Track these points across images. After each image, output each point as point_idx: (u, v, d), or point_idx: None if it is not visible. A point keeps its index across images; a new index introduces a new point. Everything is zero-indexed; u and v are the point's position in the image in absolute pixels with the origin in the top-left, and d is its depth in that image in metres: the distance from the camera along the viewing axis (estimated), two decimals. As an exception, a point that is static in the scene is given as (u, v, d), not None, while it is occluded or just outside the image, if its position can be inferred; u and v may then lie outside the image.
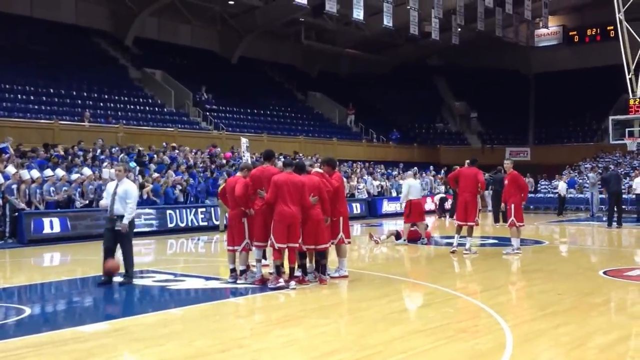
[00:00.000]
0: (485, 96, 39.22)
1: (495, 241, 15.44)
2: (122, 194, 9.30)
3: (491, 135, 38.73)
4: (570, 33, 41.03)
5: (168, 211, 17.87)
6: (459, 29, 32.27)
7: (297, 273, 9.12)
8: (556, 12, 38.55)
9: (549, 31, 40.28)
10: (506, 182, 12.81)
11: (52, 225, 15.38)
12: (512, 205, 12.45)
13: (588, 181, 25.14)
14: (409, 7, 29.07)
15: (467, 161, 13.04)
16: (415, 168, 24.08)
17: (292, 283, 8.85)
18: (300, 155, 24.20)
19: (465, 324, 6.92)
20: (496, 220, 20.50)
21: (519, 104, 39.90)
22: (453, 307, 7.92)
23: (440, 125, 40.21)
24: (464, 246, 12.63)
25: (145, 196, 17.60)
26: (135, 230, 9.80)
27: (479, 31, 32.41)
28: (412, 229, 14.90)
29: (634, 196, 22.06)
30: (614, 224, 18.78)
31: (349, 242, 10.07)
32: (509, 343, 6.07)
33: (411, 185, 15.12)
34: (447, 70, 42.09)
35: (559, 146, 35.74)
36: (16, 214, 14.96)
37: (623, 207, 20.20)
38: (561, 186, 25.36)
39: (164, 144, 22.32)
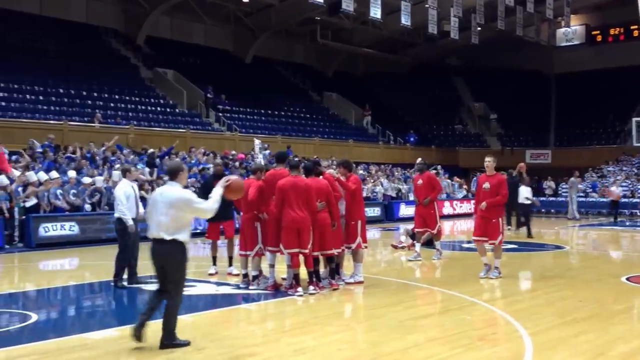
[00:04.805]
0: (505, 97, 38.78)
1: (515, 246, 15.12)
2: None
3: (511, 137, 38.23)
4: (593, 32, 40.40)
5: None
6: (479, 28, 31.85)
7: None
8: (578, 11, 37.97)
9: (571, 30, 39.69)
10: (489, 185, 9.93)
11: (60, 228, 15.14)
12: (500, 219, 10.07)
13: (568, 185, 25.60)
14: (427, 6, 28.76)
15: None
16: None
17: (311, 288, 8.66)
18: (315, 157, 23.96)
19: (483, 331, 6.77)
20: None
21: (540, 105, 39.35)
22: (470, 314, 7.71)
23: (459, 126, 39.72)
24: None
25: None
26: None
27: (499, 30, 31.95)
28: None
29: None
30: None
31: (366, 247, 9.85)
32: (528, 351, 5.94)
33: None
34: (466, 71, 41.69)
35: (581, 148, 35.07)
36: (24, 217, 14.72)
37: None
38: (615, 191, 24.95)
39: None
